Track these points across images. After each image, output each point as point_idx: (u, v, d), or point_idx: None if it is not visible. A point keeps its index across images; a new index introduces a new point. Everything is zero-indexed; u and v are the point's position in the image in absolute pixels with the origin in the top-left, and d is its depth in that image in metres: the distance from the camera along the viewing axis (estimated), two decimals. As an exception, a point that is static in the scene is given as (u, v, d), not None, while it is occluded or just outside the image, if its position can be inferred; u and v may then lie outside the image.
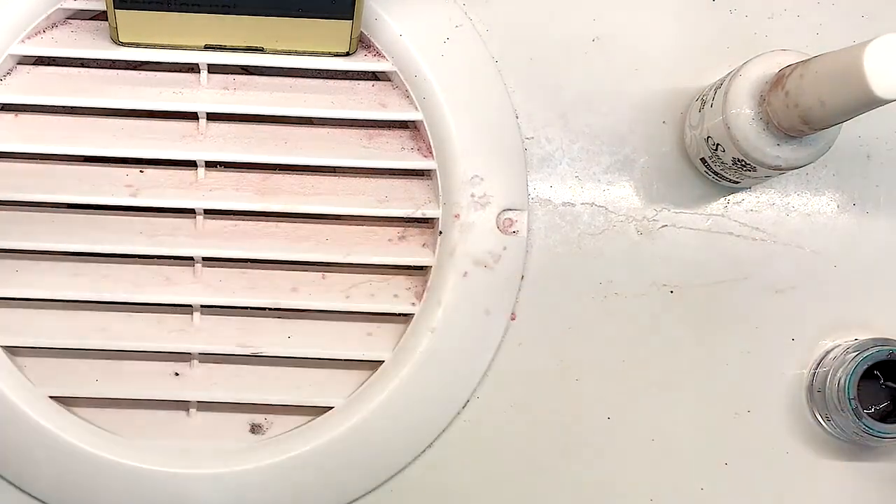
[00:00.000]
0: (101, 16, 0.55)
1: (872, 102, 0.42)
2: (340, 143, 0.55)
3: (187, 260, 0.55)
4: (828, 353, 0.56)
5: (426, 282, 0.55)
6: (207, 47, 0.54)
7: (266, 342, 0.54)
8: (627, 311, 0.56)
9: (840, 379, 0.53)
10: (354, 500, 0.55)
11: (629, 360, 0.56)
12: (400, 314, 0.55)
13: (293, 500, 0.54)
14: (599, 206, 0.57)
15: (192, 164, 0.55)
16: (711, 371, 0.56)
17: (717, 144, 0.52)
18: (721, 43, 0.57)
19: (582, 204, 0.57)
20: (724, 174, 0.54)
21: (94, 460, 0.53)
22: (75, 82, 0.54)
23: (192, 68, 0.55)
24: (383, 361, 0.54)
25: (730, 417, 0.56)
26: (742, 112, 0.49)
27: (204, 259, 0.55)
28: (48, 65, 0.55)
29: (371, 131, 0.56)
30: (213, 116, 0.55)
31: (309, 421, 0.54)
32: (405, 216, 0.55)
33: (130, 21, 0.52)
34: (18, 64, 0.55)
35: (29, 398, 0.53)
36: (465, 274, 0.54)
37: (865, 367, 0.52)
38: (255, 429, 0.55)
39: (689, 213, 0.57)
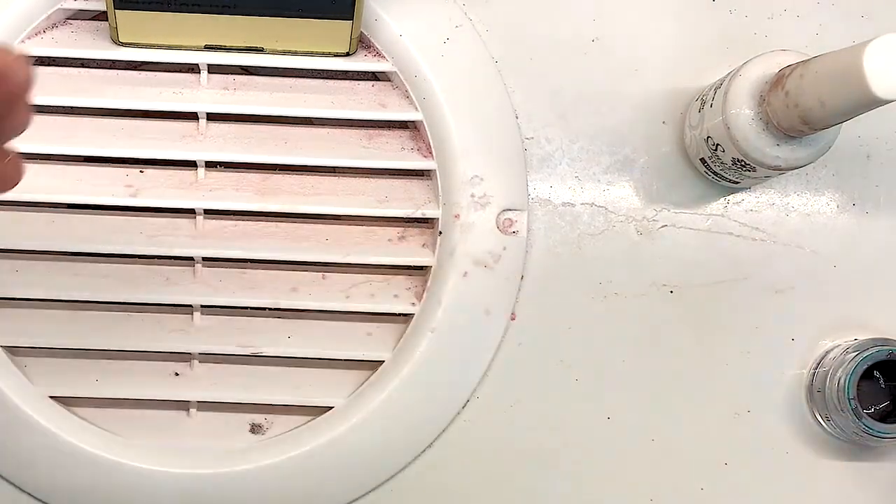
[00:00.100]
0: (101, 16, 0.55)
1: (872, 103, 0.42)
2: (340, 143, 0.55)
3: (187, 260, 0.55)
4: (827, 353, 0.56)
5: (426, 282, 0.55)
6: (207, 47, 0.54)
7: (266, 342, 0.54)
8: (627, 311, 0.56)
9: (840, 379, 0.53)
10: (354, 500, 0.55)
11: (629, 360, 0.56)
12: (400, 314, 0.55)
13: (293, 500, 0.54)
14: (599, 207, 0.57)
15: (192, 165, 0.55)
16: (711, 371, 0.56)
17: (717, 144, 0.52)
18: (721, 43, 0.57)
19: (582, 204, 0.57)
20: (724, 174, 0.54)
21: (94, 460, 0.53)
22: (75, 82, 0.54)
23: (192, 68, 0.55)
24: (383, 361, 0.54)
25: (730, 417, 0.56)
26: (742, 112, 0.49)
27: (204, 259, 0.54)
28: (48, 65, 0.55)
29: (371, 131, 0.56)
30: (213, 116, 0.55)
31: (309, 421, 0.54)
32: (405, 216, 0.55)
33: (130, 21, 0.52)
34: (18, 64, 0.55)
35: (29, 398, 0.53)
36: (465, 274, 0.54)
37: (865, 367, 0.52)
38: (255, 429, 0.55)
39: (689, 213, 0.57)
